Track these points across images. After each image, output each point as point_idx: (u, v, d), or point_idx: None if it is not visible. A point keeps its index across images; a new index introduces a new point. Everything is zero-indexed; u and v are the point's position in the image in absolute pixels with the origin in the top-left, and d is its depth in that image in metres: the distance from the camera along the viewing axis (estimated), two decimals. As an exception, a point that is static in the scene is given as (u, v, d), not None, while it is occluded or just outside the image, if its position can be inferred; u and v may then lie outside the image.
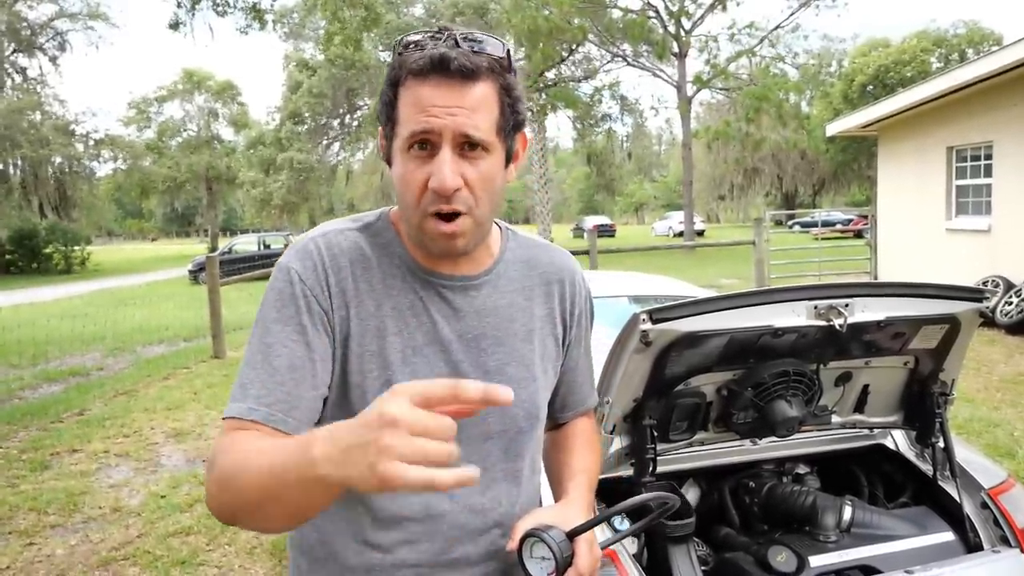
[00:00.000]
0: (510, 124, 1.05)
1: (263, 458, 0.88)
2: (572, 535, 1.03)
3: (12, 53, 33.68)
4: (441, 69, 0.98)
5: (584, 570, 1.04)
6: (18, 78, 34.50)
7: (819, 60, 29.45)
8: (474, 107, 0.99)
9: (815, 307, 1.69)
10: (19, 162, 30.95)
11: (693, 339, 1.64)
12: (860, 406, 2.08)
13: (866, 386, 2.04)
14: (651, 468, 1.79)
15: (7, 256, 30.38)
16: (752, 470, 2.12)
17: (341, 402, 1.06)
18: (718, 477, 2.14)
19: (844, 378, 1.99)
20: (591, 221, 43.61)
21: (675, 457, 1.97)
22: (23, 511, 4.47)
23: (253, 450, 0.92)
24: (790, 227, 32.94)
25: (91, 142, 33.48)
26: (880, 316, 1.75)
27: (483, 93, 1.00)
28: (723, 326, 1.63)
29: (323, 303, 1.04)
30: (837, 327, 1.69)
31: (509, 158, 1.08)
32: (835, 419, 2.07)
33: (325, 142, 35.18)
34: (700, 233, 35.04)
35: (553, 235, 32.67)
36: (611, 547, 1.68)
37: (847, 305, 1.70)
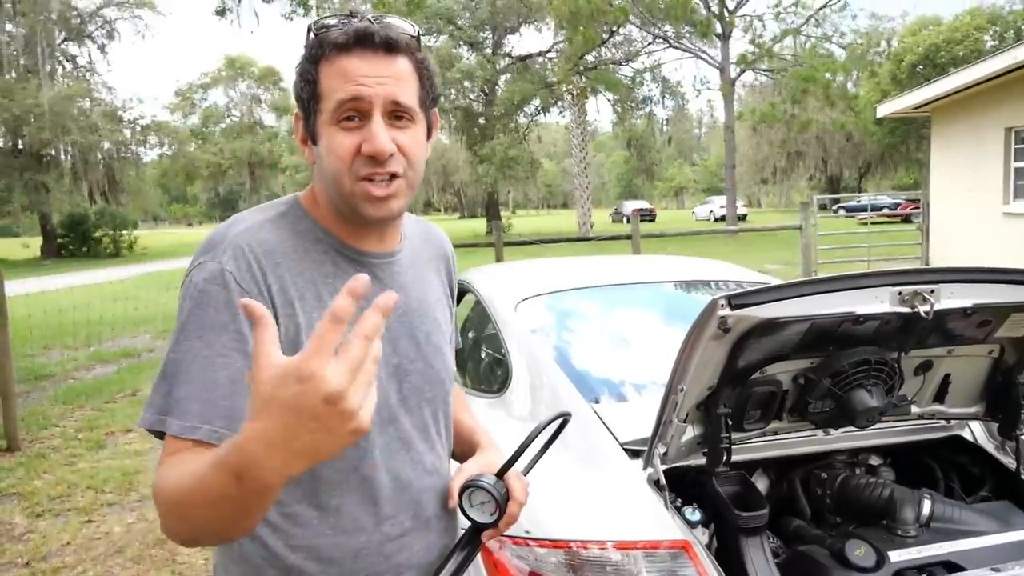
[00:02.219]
0: (429, 97, 1.10)
1: (195, 467, 0.84)
2: (500, 474, 1.14)
3: (63, 42, 34.40)
4: (365, 42, 1.02)
5: (520, 497, 1.15)
6: (68, 66, 35.28)
7: (867, 39, 28.63)
8: (399, 77, 1.04)
9: (899, 293, 1.61)
10: (69, 148, 31.65)
11: (772, 326, 1.58)
12: (940, 396, 1.99)
13: (947, 375, 1.95)
14: (725, 458, 1.74)
15: (59, 240, 31.22)
16: (823, 461, 2.05)
17: None
18: (787, 467, 2.08)
19: (925, 367, 1.91)
20: (630, 205, 43.29)
21: (745, 446, 1.92)
22: (81, 489, 4.59)
23: (187, 459, 0.90)
24: (835, 211, 32.21)
25: (138, 128, 34.10)
26: (967, 303, 1.67)
27: (405, 66, 1.05)
28: (804, 312, 1.57)
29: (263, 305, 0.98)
30: (922, 314, 1.61)
31: (429, 131, 1.12)
32: (914, 409, 2.00)
33: (365, 127, 35.29)
34: (742, 218, 34.49)
35: (593, 219, 32.48)
36: (685, 538, 1.64)
37: (933, 291, 1.62)
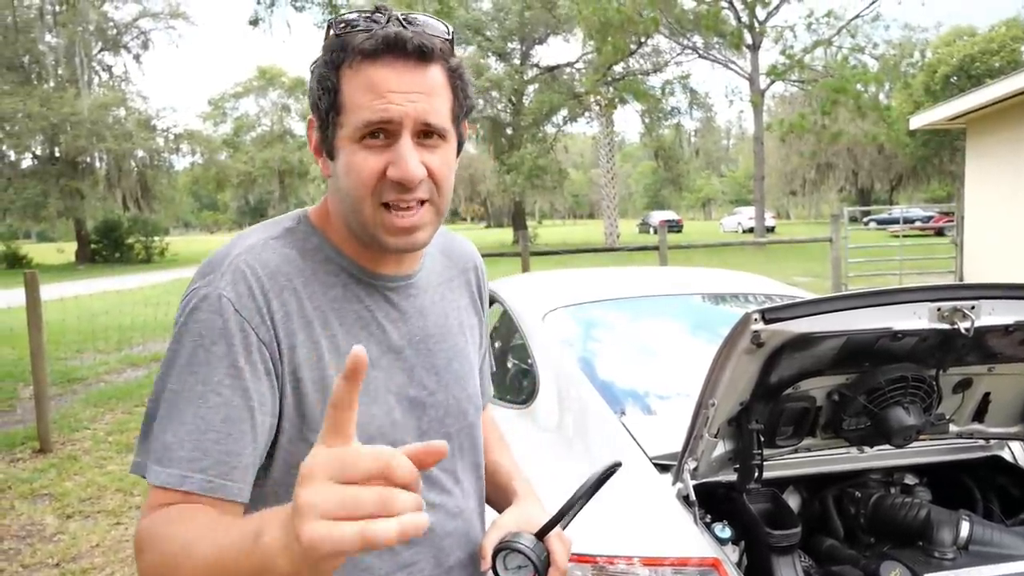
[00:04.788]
0: (463, 110, 0.99)
1: (206, 546, 0.75)
2: (541, 535, 1.02)
3: (99, 52, 35.18)
4: (396, 49, 0.90)
5: (562, 564, 1.02)
6: (104, 75, 36.07)
7: (900, 50, 28.30)
8: (432, 91, 0.92)
9: (938, 309, 1.58)
10: (104, 156, 32.30)
11: (807, 341, 1.55)
12: (979, 415, 1.94)
13: (987, 394, 1.90)
14: (756, 474, 1.71)
15: (93, 245, 31.84)
16: (857, 479, 2.01)
17: (299, 439, 0.93)
18: (820, 485, 2.03)
19: (964, 385, 1.86)
20: (657, 216, 43.07)
21: (777, 463, 1.88)
22: (111, 491, 4.64)
23: (193, 536, 0.78)
24: (865, 224, 31.80)
25: (171, 137, 34.68)
26: (1009, 320, 1.62)
27: (438, 76, 0.93)
28: (840, 327, 1.54)
29: (264, 335, 0.90)
30: (962, 331, 1.57)
31: (460, 146, 1.02)
32: (952, 428, 1.95)
33: (393, 136, 35.60)
34: (771, 229, 34.16)
35: (619, 230, 32.38)
36: (715, 556, 1.61)
37: (973, 307, 1.58)
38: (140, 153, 33.62)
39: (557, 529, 1.04)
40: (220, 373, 0.87)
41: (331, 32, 0.93)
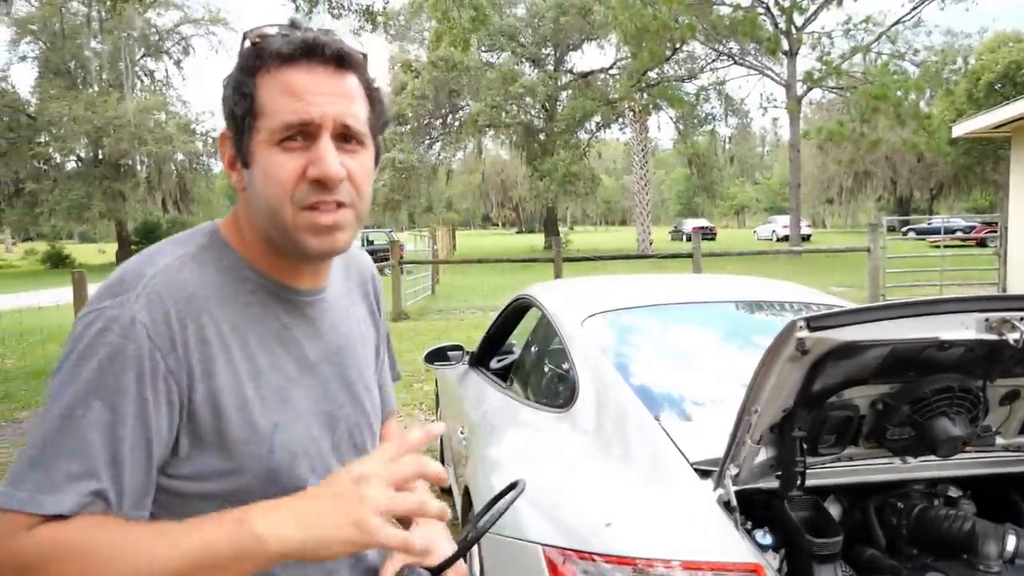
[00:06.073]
0: (380, 123, 1.00)
1: (164, 547, 0.79)
2: (438, 572, 0.99)
3: (142, 57, 36.02)
4: (314, 54, 0.90)
5: None
6: (146, 80, 36.90)
7: (942, 57, 27.79)
8: (350, 96, 0.92)
9: (986, 320, 1.56)
10: (145, 159, 33.07)
11: (851, 349, 1.55)
12: (1027, 428, 1.92)
13: (1035, 406, 1.88)
14: (799, 482, 1.71)
15: (133, 246, 32.56)
16: (900, 490, 1.99)
17: (223, 463, 0.91)
18: (861, 495, 2.02)
19: (1011, 397, 1.84)
20: (690, 223, 42.80)
21: (818, 471, 1.88)
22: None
23: (132, 540, 0.80)
24: (904, 233, 31.30)
25: (209, 140, 35.33)
26: (1060, 331, 1.61)
27: (355, 84, 0.94)
28: (885, 336, 1.53)
29: (173, 364, 0.87)
30: (1011, 342, 1.56)
31: (377, 158, 1.01)
32: (999, 441, 1.92)
33: (427, 142, 35.88)
34: (806, 238, 33.73)
35: (652, 237, 32.21)
36: (757, 562, 1.62)
37: (1022, 319, 1.57)
38: (180, 156, 34.40)
39: (459, 565, 1.04)
40: (128, 401, 0.84)
41: (246, 43, 0.93)
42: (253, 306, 0.96)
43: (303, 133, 0.90)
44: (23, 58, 34.06)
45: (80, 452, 0.82)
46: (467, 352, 3.76)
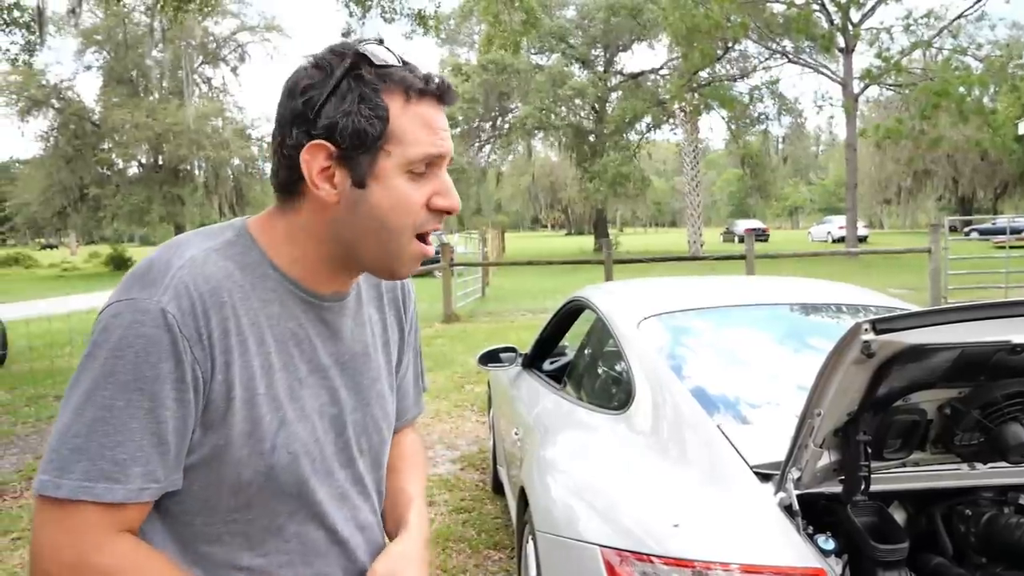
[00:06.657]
0: None
1: None
2: None
3: (200, 64, 37.03)
4: (439, 91, 0.98)
5: None
6: (204, 87, 37.93)
7: (1007, 51, 26.74)
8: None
9: None
10: (203, 164, 34.01)
11: (919, 352, 1.52)
12: (1104, 435, 1.85)
13: (1112, 413, 1.81)
14: (863, 487, 1.68)
15: (192, 250, 33.43)
16: (968, 497, 1.94)
17: (222, 449, 0.95)
18: (927, 501, 1.98)
19: (1086, 402, 1.78)
20: (742, 225, 42.18)
21: (882, 476, 1.84)
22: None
23: None
24: (966, 234, 30.31)
25: (264, 145, 36.09)
26: None
27: None
28: (954, 340, 1.50)
29: (199, 354, 0.90)
30: (1087, 345, 1.51)
31: None
32: (1073, 447, 1.86)
33: (477, 144, 36.09)
34: (863, 239, 32.88)
35: (703, 238, 31.82)
36: (819, 567, 1.60)
37: (1099, 322, 1.52)
38: (236, 161, 35.23)
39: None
40: (167, 389, 0.88)
41: (364, 62, 0.94)
42: (273, 304, 0.98)
43: (430, 164, 0.97)
44: (88, 67, 35.35)
45: (127, 441, 0.87)
46: (520, 354, 3.78)
